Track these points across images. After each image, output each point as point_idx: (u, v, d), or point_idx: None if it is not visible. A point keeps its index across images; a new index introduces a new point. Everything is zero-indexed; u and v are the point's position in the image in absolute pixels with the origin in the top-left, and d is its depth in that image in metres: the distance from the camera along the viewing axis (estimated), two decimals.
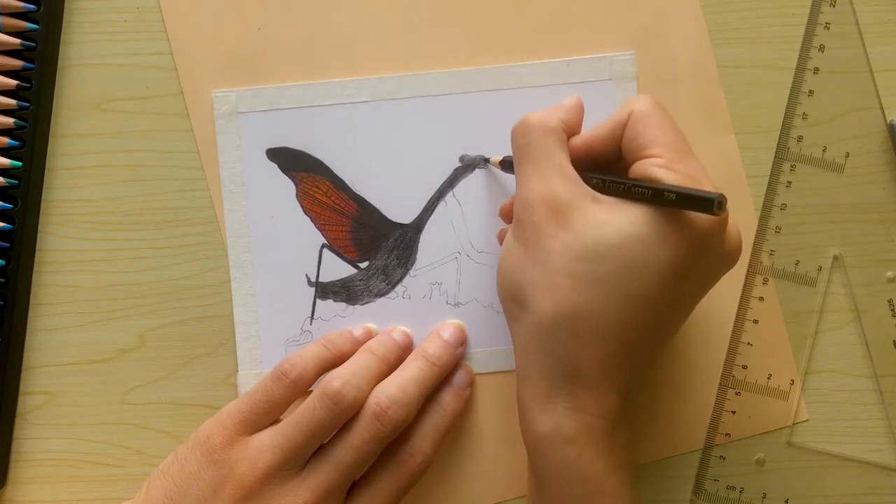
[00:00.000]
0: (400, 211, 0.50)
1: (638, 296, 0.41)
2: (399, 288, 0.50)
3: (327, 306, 0.50)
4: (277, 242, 0.50)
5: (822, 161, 0.50)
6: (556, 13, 0.50)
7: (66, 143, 0.51)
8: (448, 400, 0.49)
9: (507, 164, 0.49)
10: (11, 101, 0.50)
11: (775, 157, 0.50)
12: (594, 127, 0.45)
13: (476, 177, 0.50)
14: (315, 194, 0.50)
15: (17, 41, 0.49)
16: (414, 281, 0.50)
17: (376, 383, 0.47)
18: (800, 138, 0.50)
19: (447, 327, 0.50)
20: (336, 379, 0.45)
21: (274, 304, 0.50)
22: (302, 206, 0.50)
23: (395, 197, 0.50)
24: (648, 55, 0.50)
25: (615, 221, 0.41)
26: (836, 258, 0.50)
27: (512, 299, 0.43)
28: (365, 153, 0.50)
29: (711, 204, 0.38)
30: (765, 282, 0.49)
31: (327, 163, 0.50)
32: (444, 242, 0.50)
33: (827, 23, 0.50)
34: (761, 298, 0.49)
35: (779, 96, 0.50)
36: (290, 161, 0.50)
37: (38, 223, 0.50)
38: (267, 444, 0.45)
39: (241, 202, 0.50)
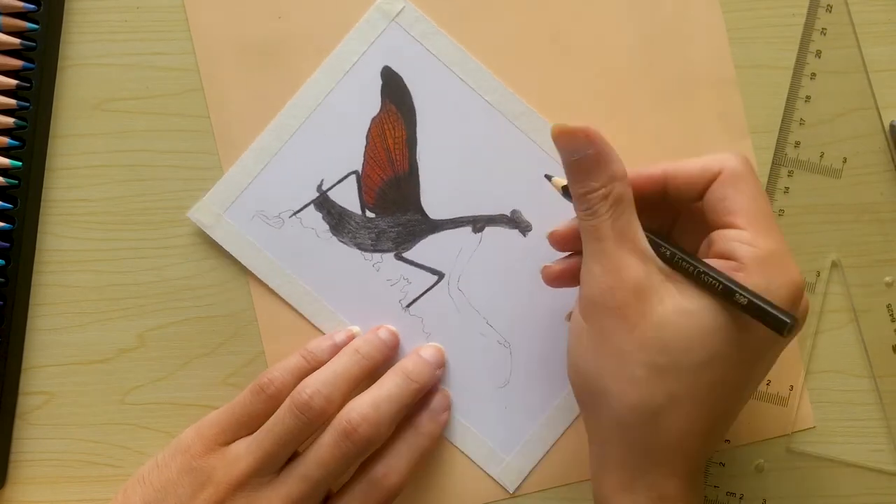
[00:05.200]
0: (433, 201, 0.50)
1: (717, 385, 0.40)
2: (376, 256, 0.50)
3: (314, 217, 0.50)
4: (324, 137, 0.50)
5: (819, 166, 0.50)
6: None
7: (66, 143, 0.50)
8: (424, 424, 0.48)
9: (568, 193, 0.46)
10: (11, 101, 0.49)
11: (773, 162, 0.50)
12: (678, 161, 0.43)
13: (510, 236, 0.50)
14: (386, 131, 0.50)
15: (17, 41, 0.49)
16: (392, 263, 0.50)
17: (354, 387, 0.47)
18: (797, 144, 0.50)
19: (427, 348, 0.49)
20: (307, 388, 0.46)
21: (276, 175, 0.50)
22: (368, 130, 0.50)
23: (440, 188, 0.50)
24: (666, 57, 0.50)
25: (696, 311, 0.39)
26: (834, 263, 0.50)
27: (587, 391, 0.42)
28: (450, 135, 0.50)
29: (782, 326, 0.36)
30: None
31: (418, 117, 0.50)
32: (441, 257, 0.50)
33: (823, 28, 0.50)
34: None
35: (778, 97, 0.50)
36: (394, 90, 0.50)
37: (38, 223, 0.50)
38: (242, 452, 0.45)
39: (329, 82, 0.50)
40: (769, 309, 0.38)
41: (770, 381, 0.50)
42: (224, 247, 0.50)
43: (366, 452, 0.46)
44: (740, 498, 0.50)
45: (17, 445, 0.50)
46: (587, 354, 0.41)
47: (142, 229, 0.50)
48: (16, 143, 0.49)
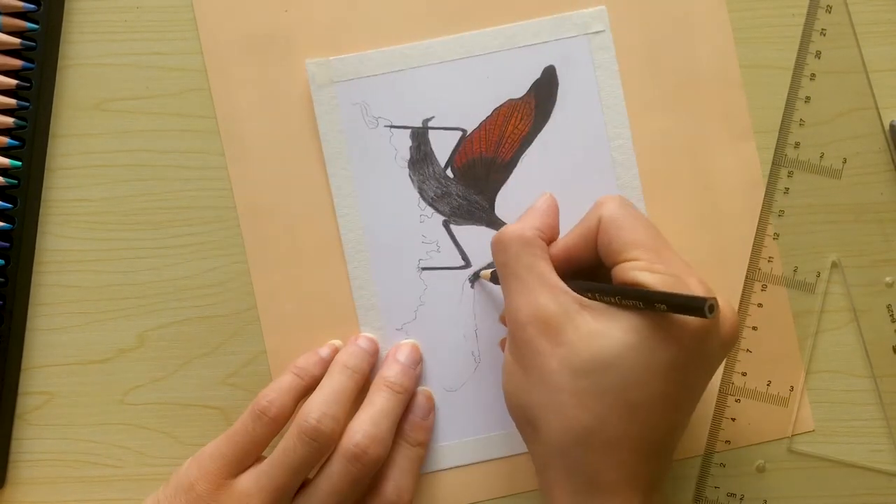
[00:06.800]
0: (508, 200, 0.50)
1: (643, 401, 0.40)
2: (429, 210, 0.50)
3: (404, 142, 0.50)
4: (465, 83, 0.50)
5: (819, 167, 0.50)
6: None
7: (66, 143, 0.50)
8: (415, 435, 0.49)
9: (496, 277, 0.48)
10: (11, 101, 0.49)
11: (773, 163, 0.50)
12: (568, 233, 0.45)
13: None
14: (513, 117, 0.50)
15: (17, 41, 0.49)
16: (436, 225, 0.50)
17: (352, 403, 0.47)
18: (797, 144, 0.50)
19: (402, 349, 0.49)
20: (312, 413, 0.45)
21: (405, 84, 0.50)
22: (500, 106, 0.50)
23: (521, 194, 0.50)
24: (672, 57, 0.50)
25: (609, 332, 0.40)
26: (834, 264, 0.50)
27: (522, 421, 0.43)
28: (563, 158, 0.50)
29: (703, 309, 0.37)
30: (763, 288, 0.50)
31: (548, 125, 0.50)
32: (478, 249, 0.50)
33: (823, 28, 0.50)
34: (760, 305, 0.50)
35: (778, 97, 0.50)
36: (544, 89, 0.50)
37: (38, 223, 0.50)
38: (253, 488, 0.45)
39: (505, 41, 0.50)
40: (687, 300, 0.38)
41: (770, 381, 0.50)
42: (315, 110, 0.50)
43: (373, 472, 0.46)
44: (741, 499, 0.50)
45: (17, 445, 0.50)
46: (517, 389, 0.43)
47: (142, 229, 0.50)
48: (16, 143, 0.50)
